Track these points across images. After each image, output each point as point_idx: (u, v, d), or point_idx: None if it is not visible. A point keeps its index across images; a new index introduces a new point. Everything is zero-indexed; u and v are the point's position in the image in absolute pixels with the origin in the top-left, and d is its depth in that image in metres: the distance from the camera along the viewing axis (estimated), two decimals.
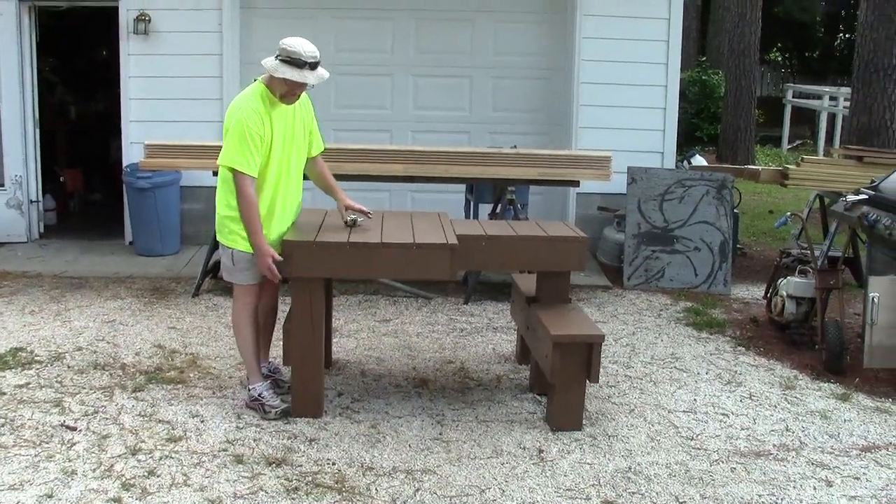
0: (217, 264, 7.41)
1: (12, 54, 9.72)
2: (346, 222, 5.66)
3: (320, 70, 5.32)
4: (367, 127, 10.06)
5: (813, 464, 5.07)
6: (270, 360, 6.04)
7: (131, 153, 9.59)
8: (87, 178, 12.18)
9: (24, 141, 9.92)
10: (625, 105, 9.76)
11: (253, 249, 5.30)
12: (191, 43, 9.64)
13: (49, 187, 10.82)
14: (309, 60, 5.23)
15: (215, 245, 7.17)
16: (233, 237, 5.42)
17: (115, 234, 10.12)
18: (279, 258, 5.27)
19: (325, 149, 5.93)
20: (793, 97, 22.82)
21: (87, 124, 13.03)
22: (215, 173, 5.62)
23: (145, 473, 4.66)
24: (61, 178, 11.67)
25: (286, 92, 5.34)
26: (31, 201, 10.08)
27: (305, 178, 5.84)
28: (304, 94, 5.57)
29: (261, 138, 5.23)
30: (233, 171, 5.21)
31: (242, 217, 5.28)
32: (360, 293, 8.24)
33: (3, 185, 9.93)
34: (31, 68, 9.91)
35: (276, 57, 5.25)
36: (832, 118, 21.15)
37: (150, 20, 9.50)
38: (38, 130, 10.07)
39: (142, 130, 9.42)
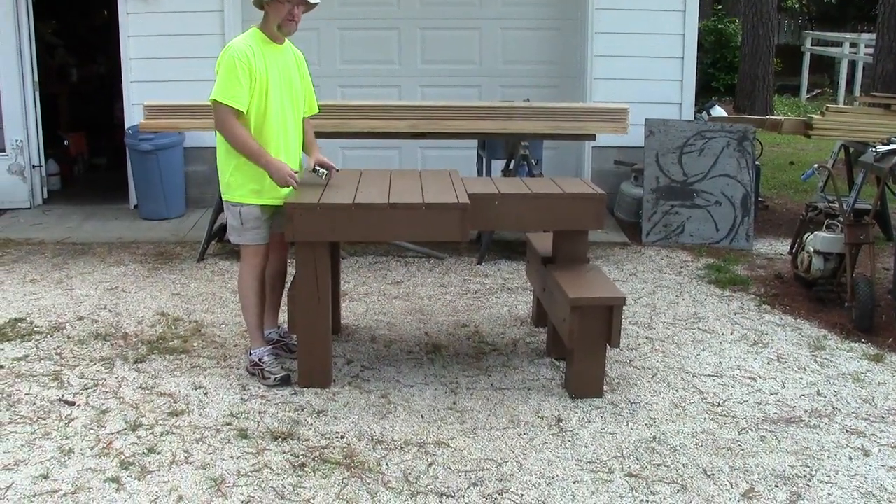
0: (223, 227, 7.20)
1: (8, 15, 9.42)
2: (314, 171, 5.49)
3: None
4: (374, 83, 9.77)
5: (847, 431, 4.78)
6: (280, 323, 5.82)
7: (133, 115, 9.31)
8: (92, 142, 11.98)
9: (24, 105, 9.66)
10: (641, 55, 9.41)
11: (265, 169, 5.05)
12: None
13: (53, 152, 10.60)
14: None
15: (220, 207, 6.96)
16: (239, 192, 5.20)
17: (119, 199, 9.90)
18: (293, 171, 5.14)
19: (318, 111, 5.74)
20: (811, 45, 22.32)
21: (90, 87, 12.78)
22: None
23: (145, 451, 4.44)
24: (65, 142, 11.45)
25: (284, 16, 5.14)
26: (34, 166, 9.85)
27: None
28: (298, 53, 5.41)
29: (250, 71, 5.02)
30: (216, 105, 5.00)
31: (239, 148, 5.04)
32: (369, 254, 8.00)
33: (3, 151, 9.69)
34: (28, 29, 9.61)
35: None
36: (852, 66, 20.70)
37: None
38: (37, 94, 9.80)
39: (143, 91, 9.15)
